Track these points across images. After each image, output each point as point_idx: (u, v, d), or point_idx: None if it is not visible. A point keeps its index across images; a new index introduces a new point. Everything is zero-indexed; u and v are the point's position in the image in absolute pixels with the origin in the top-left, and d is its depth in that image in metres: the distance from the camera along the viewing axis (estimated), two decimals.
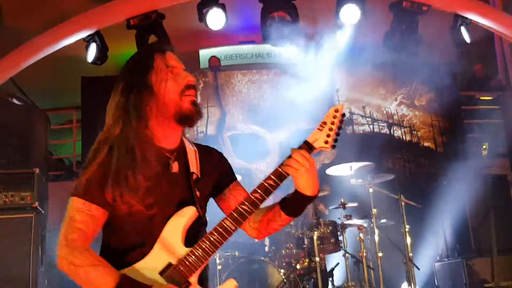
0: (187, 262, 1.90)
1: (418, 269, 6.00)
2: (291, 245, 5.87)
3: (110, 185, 1.90)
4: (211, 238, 1.92)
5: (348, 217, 6.05)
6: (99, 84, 7.59)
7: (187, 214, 1.97)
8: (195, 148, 2.16)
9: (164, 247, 1.92)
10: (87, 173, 1.93)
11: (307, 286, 6.05)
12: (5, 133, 5.24)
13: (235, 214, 1.95)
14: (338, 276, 6.18)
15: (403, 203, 5.95)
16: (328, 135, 2.01)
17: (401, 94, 8.49)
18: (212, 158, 2.21)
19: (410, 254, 5.83)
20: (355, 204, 6.18)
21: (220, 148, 7.89)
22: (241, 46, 9.73)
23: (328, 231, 5.86)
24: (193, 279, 1.91)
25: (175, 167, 2.04)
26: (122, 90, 2.01)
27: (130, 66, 2.06)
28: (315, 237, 5.70)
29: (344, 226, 6.03)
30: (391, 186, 6.27)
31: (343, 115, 2.03)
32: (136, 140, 1.94)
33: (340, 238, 5.94)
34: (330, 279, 6.00)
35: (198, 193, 2.04)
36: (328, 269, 6.05)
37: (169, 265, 1.90)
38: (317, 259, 5.67)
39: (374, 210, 5.83)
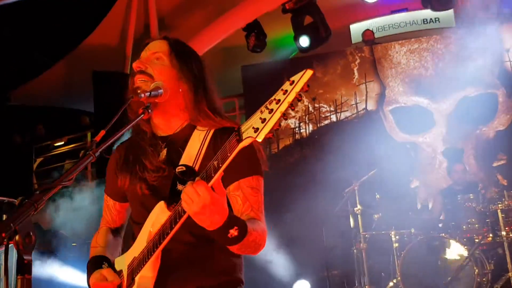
0: (137, 259, 1.78)
1: None
2: (473, 220, 5.55)
3: (119, 171, 1.94)
4: (154, 239, 1.73)
5: None
6: (259, 71, 7.79)
7: (156, 210, 1.76)
8: (207, 137, 1.85)
9: (141, 238, 1.80)
10: None
11: (492, 262, 5.70)
12: None
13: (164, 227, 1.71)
14: None
15: None
16: (264, 120, 1.37)
17: None
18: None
19: None
20: None
21: (382, 123, 7.80)
22: (393, 15, 9.40)
23: None
24: (139, 277, 1.75)
25: (162, 155, 1.88)
26: None
27: None
28: (499, 210, 5.35)
29: None
30: None
31: (303, 88, 1.35)
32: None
33: None
34: None
35: (181, 187, 1.75)
36: None
37: (134, 259, 1.81)
38: (503, 233, 5.32)
39: None
